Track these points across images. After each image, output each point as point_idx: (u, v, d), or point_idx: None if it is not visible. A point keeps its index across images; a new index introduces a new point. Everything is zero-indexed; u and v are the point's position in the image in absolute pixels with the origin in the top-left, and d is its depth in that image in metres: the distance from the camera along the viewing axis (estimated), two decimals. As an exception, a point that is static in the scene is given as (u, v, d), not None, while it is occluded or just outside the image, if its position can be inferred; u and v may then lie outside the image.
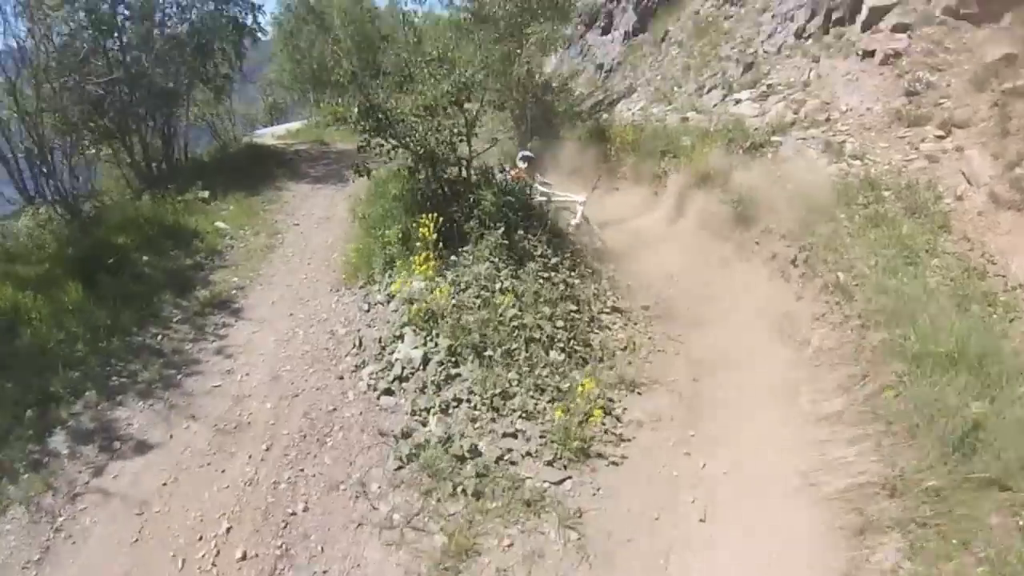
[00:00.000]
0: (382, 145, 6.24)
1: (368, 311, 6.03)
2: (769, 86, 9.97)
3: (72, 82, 9.70)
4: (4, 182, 9.48)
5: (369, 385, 5.28)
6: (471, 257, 5.90)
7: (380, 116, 5.92)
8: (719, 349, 5.89)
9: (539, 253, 6.20)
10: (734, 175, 8.10)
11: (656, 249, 7.99)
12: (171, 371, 5.78)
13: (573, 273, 6.41)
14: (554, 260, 6.28)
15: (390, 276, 6.17)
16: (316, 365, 5.79)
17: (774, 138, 8.88)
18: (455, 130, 6.18)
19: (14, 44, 8.79)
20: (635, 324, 6.31)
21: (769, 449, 4.60)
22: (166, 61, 10.88)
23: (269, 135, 17.05)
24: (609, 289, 6.72)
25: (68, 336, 6.07)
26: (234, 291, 7.38)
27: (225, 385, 5.61)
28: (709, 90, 11.12)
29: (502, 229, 5.98)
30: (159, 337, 6.37)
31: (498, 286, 5.61)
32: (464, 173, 6.59)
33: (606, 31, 16.89)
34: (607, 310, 6.27)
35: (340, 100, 6.13)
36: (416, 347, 5.22)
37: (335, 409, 5.19)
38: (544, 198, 7.66)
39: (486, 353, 5.10)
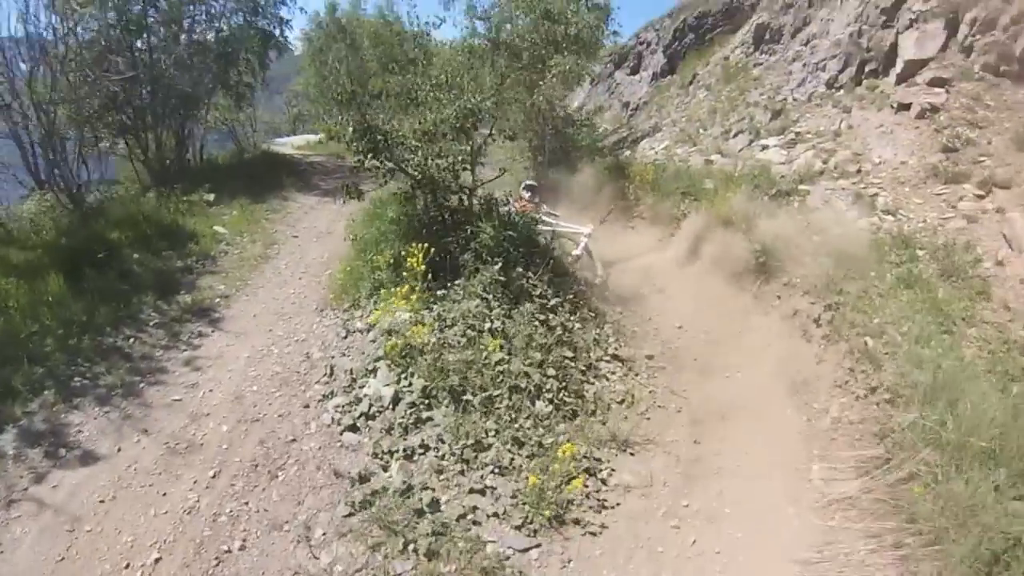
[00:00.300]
0: (377, 167, 5.85)
1: (345, 338, 5.57)
2: (797, 134, 9.51)
3: (90, 77, 9.63)
4: (21, 168, 9.42)
5: (334, 419, 4.80)
6: (462, 292, 5.42)
7: (377, 137, 5.54)
8: (726, 409, 5.27)
9: (538, 293, 5.69)
10: (757, 222, 7.56)
11: (668, 294, 7.45)
12: (135, 378, 5.46)
13: (574, 316, 5.86)
14: (554, 301, 5.74)
15: (375, 303, 5.70)
16: (284, 389, 5.35)
17: (801, 187, 8.40)
18: (459, 157, 5.78)
19: (33, 31, 8.72)
20: (636, 375, 5.72)
21: (770, 531, 3.98)
22: (188, 65, 10.79)
23: (288, 144, 16.96)
24: (612, 335, 6.12)
25: (41, 329, 5.83)
26: (218, 299, 7.02)
27: (186, 400, 5.26)
28: (735, 134, 10.69)
29: (499, 264, 5.50)
30: (131, 340, 6.07)
31: (487, 326, 5.10)
32: (466, 202, 6.15)
33: (635, 71, 16.75)
34: (607, 357, 5.69)
35: (341, 118, 5.76)
36: (388, 384, 4.73)
37: (294, 440, 4.75)
38: (549, 228, 7.19)
39: (464, 397, 4.58)
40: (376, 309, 5.55)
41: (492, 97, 5.67)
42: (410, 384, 4.65)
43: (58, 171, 9.02)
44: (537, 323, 5.26)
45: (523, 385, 4.64)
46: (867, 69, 9.73)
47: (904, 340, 5.09)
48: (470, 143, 5.97)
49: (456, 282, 5.56)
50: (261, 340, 6.14)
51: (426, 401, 4.57)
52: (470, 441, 4.27)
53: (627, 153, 13.03)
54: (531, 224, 6.25)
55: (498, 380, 4.65)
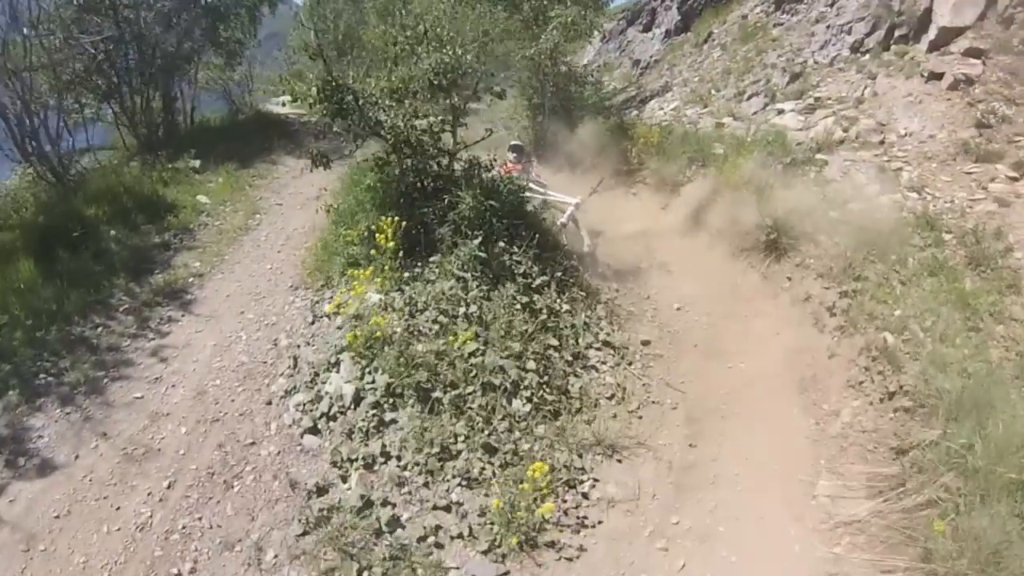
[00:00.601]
0: (347, 130, 5.24)
1: (312, 323, 5.09)
2: (817, 99, 8.65)
3: (69, 39, 8.99)
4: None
5: (294, 419, 4.39)
6: (437, 270, 4.87)
7: (346, 97, 4.90)
8: (727, 406, 4.78)
9: (522, 271, 5.09)
10: (770, 193, 6.88)
11: (669, 269, 6.87)
12: (99, 373, 5.14)
13: (562, 297, 5.31)
14: (539, 280, 5.17)
15: (346, 283, 5.20)
16: (247, 382, 4.96)
17: (819, 156, 7.64)
18: (437, 118, 5.13)
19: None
20: (630, 364, 5.19)
21: (768, 556, 3.53)
22: (173, 23, 10.04)
23: (283, 103, 16.18)
24: (605, 317, 5.55)
25: (10, 320, 5.55)
26: (191, 279, 6.59)
27: (148, 397, 4.93)
28: (749, 97, 9.82)
29: (479, 239, 4.91)
30: (99, 329, 5.74)
31: (462, 311, 4.57)
32: (447, 168, 5.51)
33: (647, 28, 15.64)
34: (598, 344, 5.16)
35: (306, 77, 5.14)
36: (350, 380, 4.26)
37: (253, 443, 4.38)
38: (538, 197, 6.57)
39: (434, 395, 4.11)
40: (344, 290, 5.05)
41: (473, 50, 4.97)
42: (373, 381, 4.18)
43: (35, 143, 8.49)
44: (519, 307, 4.73)
45: (498, 382, 4.14)
46: (896, 34, 8.81)
47: (927, 337, 4.50)
48: (449, 102, 5.30)
49: (432, 259, 5.02)
50: (231, 325, 5.72)
51: (390, 400, 4.12)
52: (436, 449, 3.83)
53: (634, 113, 12.19)
54: (517, 192, 5.62)
55: (471, 375, 4.17)
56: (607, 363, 4.99)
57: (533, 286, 5.09)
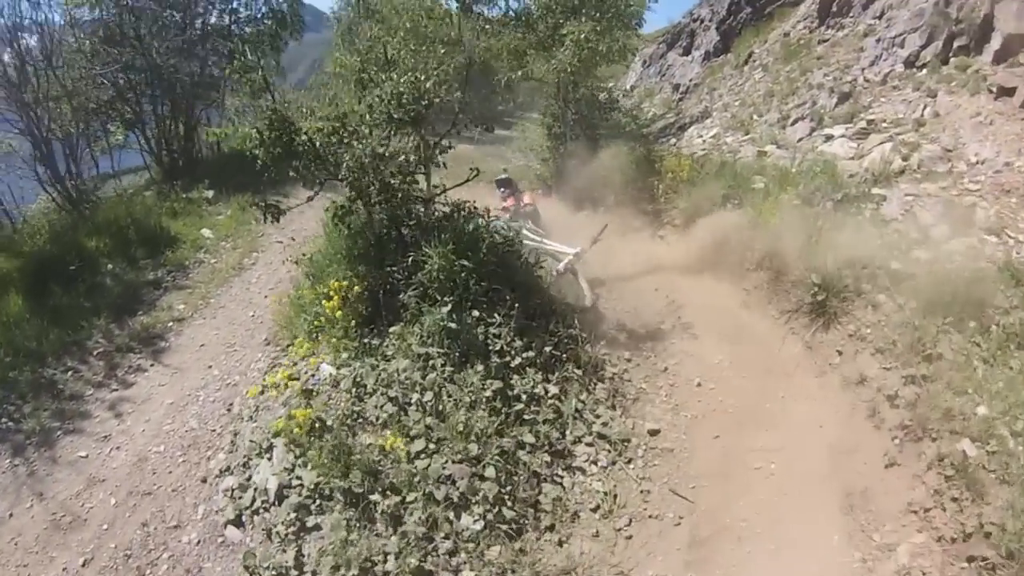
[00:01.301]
0: (298, 173, 4.52)
1: (262, 393, 4.34)
2: (870, 122, 7.36)
3: (93, 69, 8.88)
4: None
5: (220, 506, 3.68)
6: (396, 344, 4.02)
7: (296, 137, 4.18)
8: (747, 524, 3.65)
9: (498, 347, 4.07)
10: (817, 238, 5.62)
11: (693, 332, 5.59)
12: (55, 423, 4.91)
13: (551, 376, 4.21)
14: (522, 358, 4.13)
15: (306, 348, 4.45)
16: (190, 452, 4.37)
17: (875, 190, 6.33)
18: (400, 158, 4.32)
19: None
20: (628, 463, 4.04)
21: None
22: (193, 53, 9.83)
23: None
24: (605, 400, 4.42)
25: None
26: (171, 323, 6.12)
27: (91, 457, 4.60)
28: (794, 121, 8.60)
29: (449, 307, 4.02)
30: (69, 373, 5.50)
31: (415, 397, 3.68)
32: (426, 214, 4.67)
33: (687, 51, 14.49)
34: (590, 437, 4.06)
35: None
36: (278, 472, 3.48)
37: (177, 527, 3.87)
38: (533, 245, 5.64)
39: (372, 498, 3.26)
40: (301, 355, 4.32)
41: (439, 76, 4.13)
42: (300, 477, 3.38)
43: (49, 170, 8.34)
44: (491, 393, 3.77)
45: (441, 494, 3.22)
46: (956, 45, 7.43)
47: (1019, 447, 3.31)
48: (417, 138, 4.47)
49: (393, 328, 4.15)
50: (194, 380, 5.15)
51: (316, 502, 3.30)
52: (354, 571, 2.97)
53: (672, 141, 11.11)
54: (506, 244, 4.71)
55: (415, 480, 3.28)
56: (599, 462, 3.93)
57: (512, 365, 4.08)
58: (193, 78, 9.71)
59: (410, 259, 4.21)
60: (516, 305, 4.28)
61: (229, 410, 4.60)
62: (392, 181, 4.33)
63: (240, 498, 3.61)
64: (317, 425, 3.55)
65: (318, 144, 4.18)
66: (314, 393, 3.96)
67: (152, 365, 5.48)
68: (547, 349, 4.33)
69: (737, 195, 7.22)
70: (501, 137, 16.58)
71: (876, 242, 5.42)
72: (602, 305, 5.87)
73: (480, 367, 3.84)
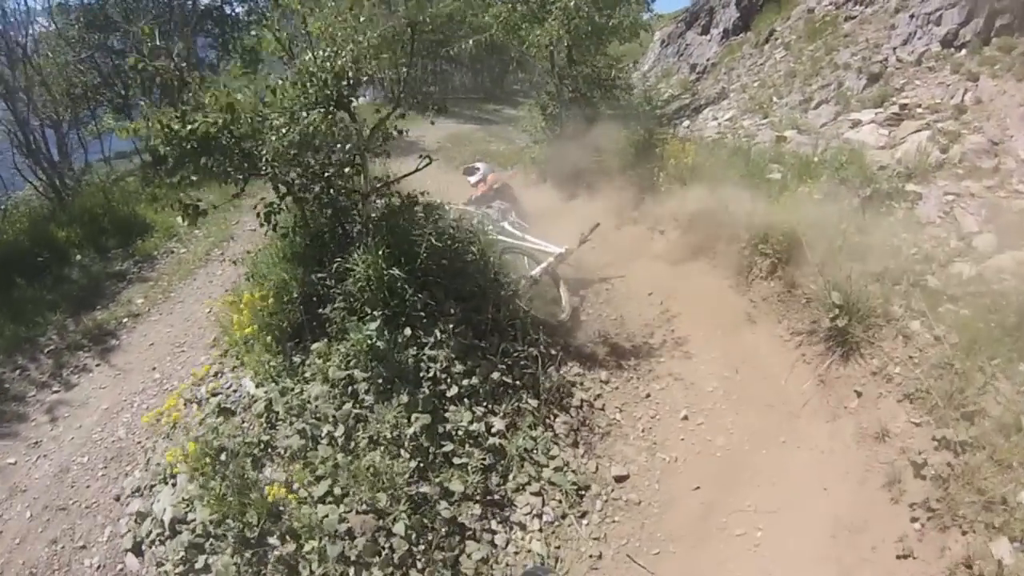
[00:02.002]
0: (208, 169, 4.12)
1: (184, 406, 4.04)
2: (903, 107, 6.55)
3: (74, 55, 8.73)
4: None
5: (124, 531, 3.40)
6: (317, 365, 3.64)
7: (208, 129, 3.80)
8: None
9: (431, 374, 3.50)
10: (841, 244, 4.74)
11: (686, 350, 4.84)
12: None
13: (499, 408, 3.62)
14: (459, 387, 3.55)
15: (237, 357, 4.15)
16: (111, 466, 4.15)
17: (909, 186, 5.49)
18: (334, 150, 3.90)
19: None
20: (581, 518, 3.43)
21: None
22: (181, 35, 9.58)
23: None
24: (566, 436, 3.82)
25: None
26: (126, 319, 5.90)
27: (19, 465, 4.40)
28: (818, 105, 7.82)
29: (377, 322, 3.58)
30: (17, 372, 5.37)
31: (326, 430, 3.28)
32: (362, 212, 4.24)
33: (706, 30, 13.58)
34: (536, 485, 3.45)
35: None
36: (176, 503, 3.18)
37: (84, 548, 3.63)
38: (512, 240, 5.15)
39: (269, 541, 2.93)
40: (228, 367, 4.01)
41: (358, 51, 3.64)
42: (194, 511, 3.07)
43: (31, 159, 8.24)
44: (419, 430, 3.31)
45: (337, 551, 2.80)
46: (998, 23, 6.48)
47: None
48: (354, 124, 4.02)
49: (317, 345, 3.75)
50: (134, 384, 4.90)
51: (207, 541, 2.99)
52: None
53: (685, 124, 10.41)
54: (459, 244, 4.24)
55: (312, 532, 2.93)
56: (544, 516, 3.34)
57: (451, 395, 3.51)
58: (183, 59, 9.46)
59: (335, 266, 3.80)
60: (463, 320, 3.83)
61: (157, 421, 4.32)
62: (326, 173, 3.92)
63: (140, 525, 3.33)
64: (223, 456, 3.22)
65: (211, 137, 3.77)
66: (231, 413, 3.64)
67: (98, 365, 5.26)
68: (495, 376, 3.79)
69: (749, 185, 6.50)
70: (511, 117, 15.92)
71: (910, 251, 4.58)
72: (584, 311, 5.27)
73: (405, 397, 3.40)
